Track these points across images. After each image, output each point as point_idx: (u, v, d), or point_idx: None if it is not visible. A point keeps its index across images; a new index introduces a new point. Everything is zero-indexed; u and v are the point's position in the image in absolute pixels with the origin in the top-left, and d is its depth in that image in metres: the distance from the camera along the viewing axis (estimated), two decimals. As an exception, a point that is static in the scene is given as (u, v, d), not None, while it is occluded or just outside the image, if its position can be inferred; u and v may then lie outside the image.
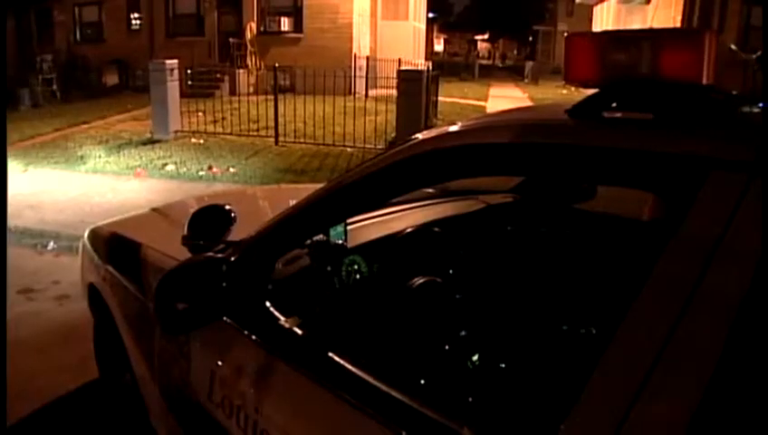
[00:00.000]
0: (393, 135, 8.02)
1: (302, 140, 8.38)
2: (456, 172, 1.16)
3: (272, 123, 8.58)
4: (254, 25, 15.79)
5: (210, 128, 9.29)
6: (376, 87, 11.84)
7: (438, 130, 1.24)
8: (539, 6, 46.43)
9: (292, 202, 1.44)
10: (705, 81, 0.89)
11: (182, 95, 9.43)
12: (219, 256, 1.38)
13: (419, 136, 1.25)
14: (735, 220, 0.78)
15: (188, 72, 12.16)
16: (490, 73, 34.01)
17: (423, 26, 21.42)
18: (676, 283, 0.79)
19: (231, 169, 6.91)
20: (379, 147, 8.11)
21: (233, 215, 1.56)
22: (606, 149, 0.96)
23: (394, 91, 8.11)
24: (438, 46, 71.89)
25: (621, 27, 18.33)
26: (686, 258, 0.80)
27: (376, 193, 1.28)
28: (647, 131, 0.95)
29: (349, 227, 1.75)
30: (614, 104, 1.02)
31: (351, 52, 15.30)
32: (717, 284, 0.76)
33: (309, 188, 1.48)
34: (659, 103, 0.98)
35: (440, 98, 13.30)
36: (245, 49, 15.50)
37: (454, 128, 1.19)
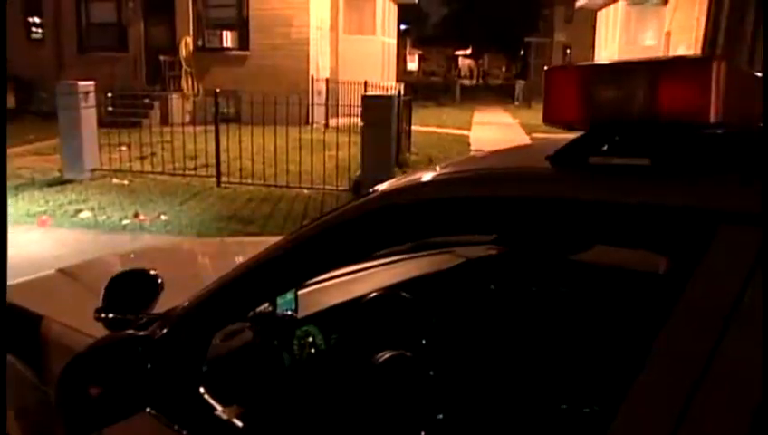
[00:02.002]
0: (358, 173, 8.12)
1: (249, 181, 8.41)
2: (423, 231, 1.20)
3: (213, 160, 8.61)
4: (189, 40, 15.93)
5: (137, 165, 9.26)
6: (338, 115, 12.00)
7: (402, 180, 1.30)
8: (532, 14, 48.18)
9: (239, 259, 1.45)
10: (713, 119, 0.92)
11: (101, 125, 9.40)
12: (142, 332, 1.38)
13: (381, 188, 1.30)
14: (751, 282, 0.81)
15: (108, 96, 12.18)
16: (474, 96, 34.90)
17: (393, 41, 21.98)
18: (685, 356, 0.81)
19: (162, 217, 6.87)
20: (342, 188, 8.20)
21: (160, 281, 1.56)
22: (596, 204, 0.99)
23: (359, 120, 8.27)
24: (412, 64, 73.52)
25: (632, 34, 19.01)
26: (696, 327, 0.82)
27: (330, 256, 1.31)
28: (644, 181, 0.99)
29: (302, 292, 1.77)
30: (604, 147, 1.07)
31: (308, 73, 15.59)
32: (734, 357, 0.78)
33: (257, 243, 1.51)
34: (658, 146, 1.02)
35: (415, 127, 13.54)
36: (180, 68, 15.61)
37: (419, 178, 1.24)
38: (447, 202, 1.13)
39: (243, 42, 15.84)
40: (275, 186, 8.21)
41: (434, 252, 2.29)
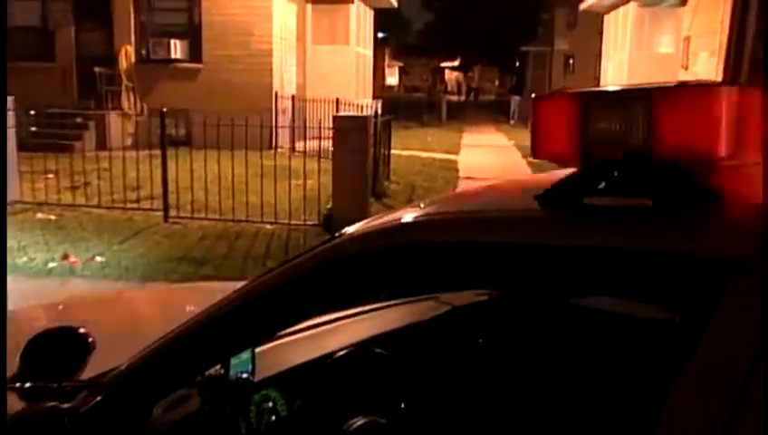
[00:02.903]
0: (329, 205, 8.15)
1: (202, 215, 8.40)
2: (399, 283, 1.22)
3: (159, 191, 8.59)
4: (131, 49, 15.91)
5: (67, 197, 9.19)
6: (306, 138, 12.07)
7: (374, 222, 1.32)
8: (529, 19, 49.07)
9: (190, 310, 1.46)
10: (723, 154, 0.95)
11: (22, 148, 9.34)
12: (67, 404, 1.37)
13: (350, 230, 1.32)
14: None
15: (31, 114, 12.10)
16: (463, 114, 35.33)
17: (370, 52, 22.26)
18: (702, 424, 0.82)
19: (97, 259, 6.82)
20: (311, 222, 8.22)
21: (90, 340, 1.54)
22: (592, 251, 1.01)
23: (330, 144, 8.33)
24: (392, 78, 74.31)
25: (645, 39, 19.30)
26: (708, 393, 0.84)
27: (293, 311, 1.32)
28: (644, 225, 1.01)
29: (260, 349, 1.77)
30: (600, 186, 1.10)
31: (272, 89, 15.71)
32: (753, 428, 0.79)
33: (211, 290, 1.52)
34: (660, 185, 1.04)
35: (395, 151, 13.63)
36: (119, 83, 15.61)
37: (394, 220, 1.27)
38: (426, 249, 1.16)
39: (194, 52, 15.94)
40: (233, 220, 8.21)
41: (414, 299, 2.31)
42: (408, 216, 1.29)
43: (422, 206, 1.39)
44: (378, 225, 1.31)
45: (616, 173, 1.09)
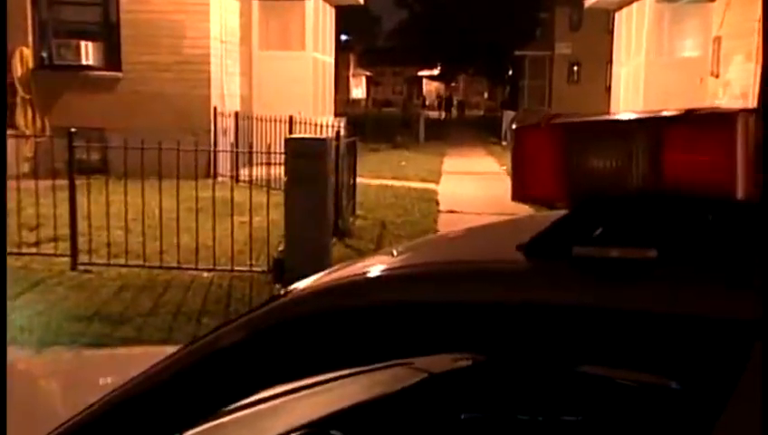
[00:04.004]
0: (281, 247, 8.16)
1: (121, 261, 8.34)
2: (360, 351, 1.24)
3: (66, 231, 8.53)
4: (27, 52, 15.75)
5: (-52, 241, 9.08)
6: (252, 164, 12.07)
7: (335, 274, 1.35)
8: (524, 19, 49.71)
9: (103, 382, 1.46)
10: (741, 194, 0.98)
11: None
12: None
13: (301, 286, 1.34)
14: None
15: None
16: (445, 133, 35.58)
17: (331, 59, 22.44)
18: None
19: (-16, 318, 6.73)
20: (258, 268, 8.20)
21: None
22: (585, 312, 1.04)
23: (283, 171, 8.36)
24: (358, 90, 74.78)
25: (665, 41, 19.47)
26: None
27: (231, 387, 1.33)
28: (650, 281, 1.04)
29: (188, 434, 1.77)
30: (595, 232, 1.13)
31: (210, 104, 15.75)
32: None
33: (131, 357, 1.53)
34: (668, 232, 1.07)
35: (362, 180, 13.67)
36: (15, 94, 15.47)
37: (357, 273, 1.29)
38: (396, 310, 1.19)
39: (111, 57, 15.93)
40: (161, 267, 8.15)
41: (384, 365, 2.32)
42: (374, 268, 1.32)
43: (395, 253, 1.41)
44: (339, 278, 1.33)
45: (612, 218, 1.12)
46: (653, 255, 1.07)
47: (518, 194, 1.14)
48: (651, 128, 1.04)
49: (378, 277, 1.29)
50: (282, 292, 1.42)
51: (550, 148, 1.08)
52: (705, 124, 1.03)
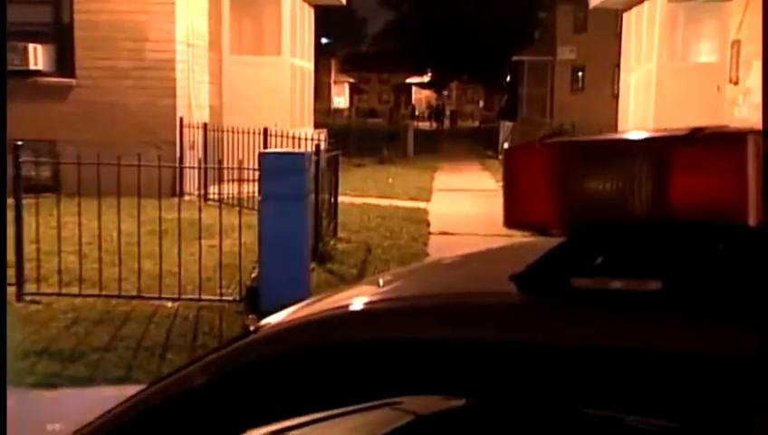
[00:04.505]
0: (255, 274, 8.14)
1: (74, 290, 8.28)
2: (338, 393, 1.24)
3: (11, 257, 8.47)
4: (-38, 55, 15.80)
5: None
6: (222, 181, 12.07)
7: (314, 306, 1.35)
8: (523, 21, 49.83)
9: (51, 428, 1.46)
10: (752, 221, 1.00)
11: None
12: None
13: (274, 321, 1.35)
14: None
15: None
16: (436, 146, 35.56)
17: (311, 65, 22.48)
18: None
19: None
20: (229, 297, 8.16)
21: None
22: (585, 351, 1.05)
23: (256, 188, 8.35)
24: (341, 99, 74.81)
25: (678, 44, 19.35)
26: None
27: (196, 432, 1.34)
28: (657, 316, 1.05)
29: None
30: (595, 262, 1.14)
31: (175, 114, 15.74)
32: None
33: (88, 399, 1.52)
34: (674, 262, 1.08)
35: (345, 198, 13.63)
36: (-45, 105, 15.46)
37: (336, 306, 1.30)
38: (378, 348, 1.20)
39: (64, 62, 15.86)
40: (119, 297, 8.10)
41: (366, 405, 2.32)
42: (357, 301, 1.32)
43: (381, 283, 1.42)
44: (317, 313, 1.33)
45: (614, 246, 1.13)
46: (658, 286, 1.08)
47: (511, 220, 1.14)
48: (655, 149, 1.05)
49: (361, 312, 1.29)
50: (252, 328, 1.43)
51: (545, 169, 1.09)
52: (712, 145, 1.05)
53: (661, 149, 1.06)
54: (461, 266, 1.53)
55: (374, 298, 1.36)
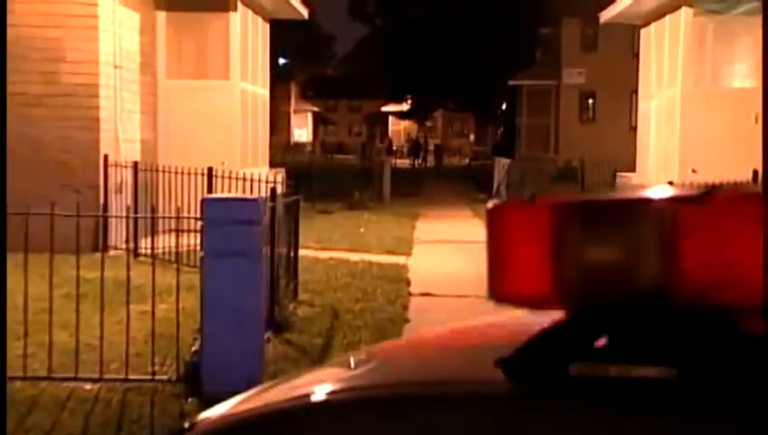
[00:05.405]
0: (195, 347, 8.07)
1: (-29, 366, 8.21)
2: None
3: None
4: None
5: None
6: (157, 231, 11.98)
7: (258, 402, 1.35)
8: (521, 39, 50.09)
9: None
10: None
11: None
12: None
13: (214, 417, 1.34)
14: None
15: None
16: (418, 188, 35.72)
17: (266, 91, 22.54)
18: None
19: None
20: (162, 376, 8.05)
21: None
22: None
23: (198, 241, 8.31)
24: (302, 131, 74.90)
25: (708, 66, 19.35)
26: None
27: None
28: (672, 411, 1.06)
29: None
30: (598, 344, 1.15)
31: (99, 151, 15.67)
32: None
33: None
34: (690, 346, 1.10)
35: (307, 252, 13.60)
36: None
37: (295, 395, 1.29)
38: None
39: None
40: (24, 378, 7.99)
41: None
42: (318, 389, 1.32)
43: (352, 363, 1.42)
44: (270, 405, 1.33)
45: (619, 327, 1.13)
46: (673, 375, 1.09)
47: (497, 293, 1.15)
48: (664, 212, 1.06)
49: (324, 404, 1.29)
50: (187, 424, 1.42)
51: (538, 234, 1.10)
52: (728, 208, 1.06)
53: (671, 212, 1.07)
54: (440, 346, 1.53)
55: (339, 386, 1.36)
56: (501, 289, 1.15)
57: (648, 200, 1.09)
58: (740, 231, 1.03)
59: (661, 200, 1.07)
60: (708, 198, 1.06)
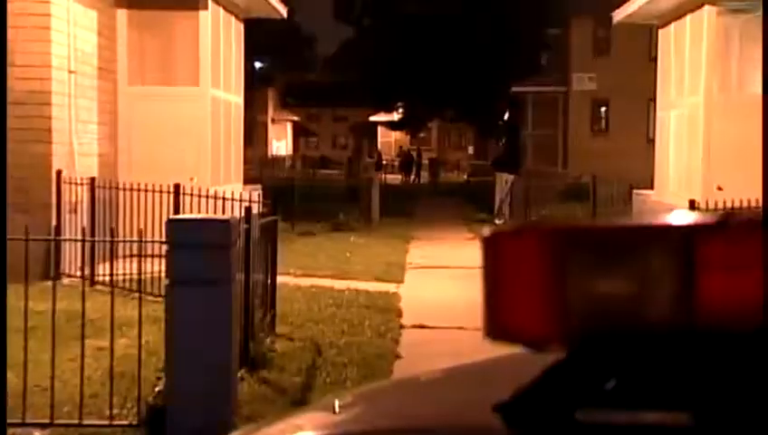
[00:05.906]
0: (159, 387, 8.05)
1: None
2: None
3: None
4: None
5: None
6: (116, 256, 11.98)
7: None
8: (526, 41, 50.18)
9: None
10: None
11: None
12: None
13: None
14: None
15: None
16: (410, 207, 35.79)
17: (240, 98, 22.53)
18: None
19: None
20: (122, 421, 8.03)
21: None
22: None
23: (162, 268, 8.31)
24: (281, 143, 74.94)
25: (733, 70, 19.24)
26: None
27: None
28: None
29: None
30: (607, 386, 1.14)
31: (51, 166, 15.67)
32: None
33: None
34: (711, 388, 1.10)
35: (286, 278, 13.62)
36: None
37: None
38: None
39: None
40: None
41: None
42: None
43: (336, 409, 1.42)
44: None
45: (632, 366, 1.13)
46: (691, 422, 1.09)
47: (493, 330, 1.15)
48: (678, 239, 1.06)
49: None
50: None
51: (538, 265, 1.10)
52: (747, 234, 1.06)
53: (686, 239, 1.06)
54: (431, 390, 1.52)
55: (322, 434, 1.35)
56: (498, 326, 1.15)
57: (662, 226, 1.08)
58: (754, 258, 1.03)
59: (676, 226, 1.07)
60: (724, 223, 1.06)
